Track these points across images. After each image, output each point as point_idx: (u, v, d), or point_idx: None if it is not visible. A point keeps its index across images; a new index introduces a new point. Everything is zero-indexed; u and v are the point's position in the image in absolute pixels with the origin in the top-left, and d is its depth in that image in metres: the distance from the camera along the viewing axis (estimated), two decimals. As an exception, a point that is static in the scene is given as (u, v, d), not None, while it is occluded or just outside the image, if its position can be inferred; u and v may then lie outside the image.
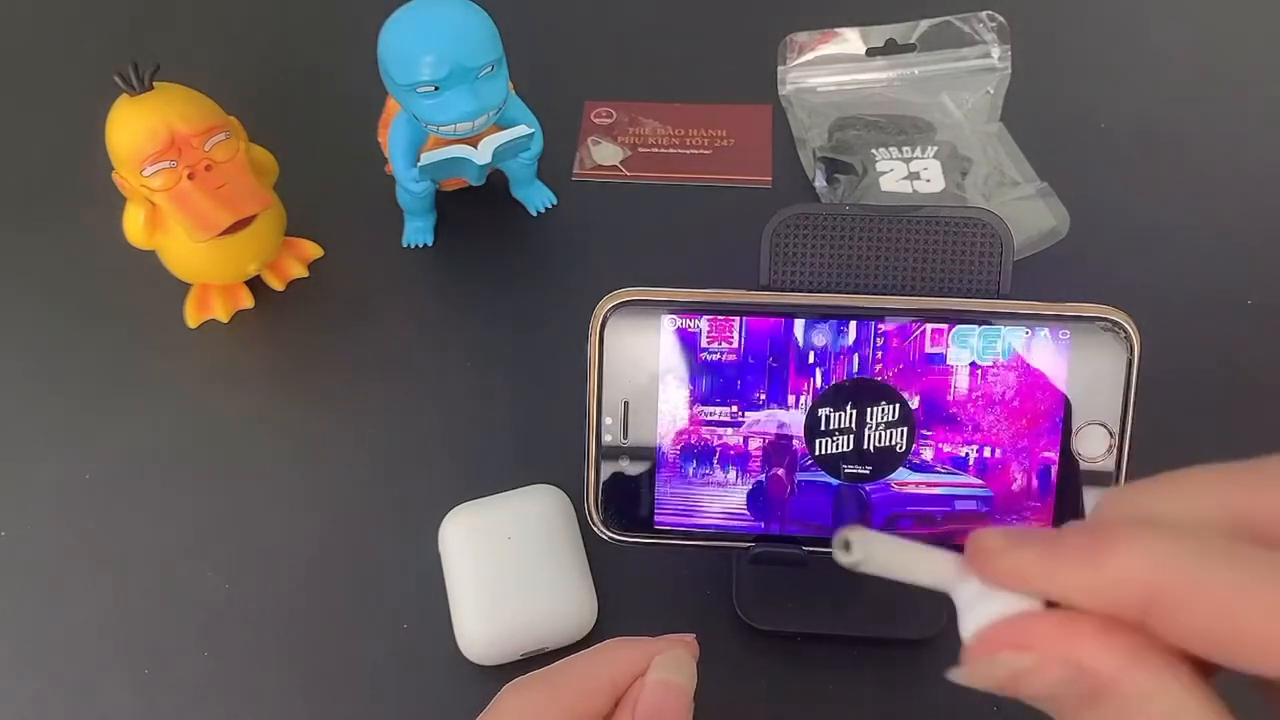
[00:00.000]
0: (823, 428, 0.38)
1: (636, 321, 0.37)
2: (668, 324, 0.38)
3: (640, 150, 0.61)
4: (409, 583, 0.44)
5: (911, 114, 0.60)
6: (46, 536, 0.47)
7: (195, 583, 0.45)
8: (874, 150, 0.57)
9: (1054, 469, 0.37)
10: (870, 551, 0.21)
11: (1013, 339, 0.37)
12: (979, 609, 0.20)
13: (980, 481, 0.38)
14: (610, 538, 0.39)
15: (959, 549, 0.38)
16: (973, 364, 0.37)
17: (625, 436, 0.38)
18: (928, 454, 0.38)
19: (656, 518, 0.39)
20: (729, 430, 0.38)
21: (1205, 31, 0.67)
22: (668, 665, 0.30)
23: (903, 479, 0.38)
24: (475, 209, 0.58)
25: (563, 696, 0.29)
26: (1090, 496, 0.37)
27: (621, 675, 0.30)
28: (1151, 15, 0.69)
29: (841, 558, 0.21)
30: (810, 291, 0.39)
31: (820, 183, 0.58)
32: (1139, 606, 0.17)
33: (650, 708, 0.29)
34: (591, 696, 0.29)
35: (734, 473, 0.38)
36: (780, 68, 0.63)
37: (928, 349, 0.37)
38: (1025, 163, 0.58)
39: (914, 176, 0.56)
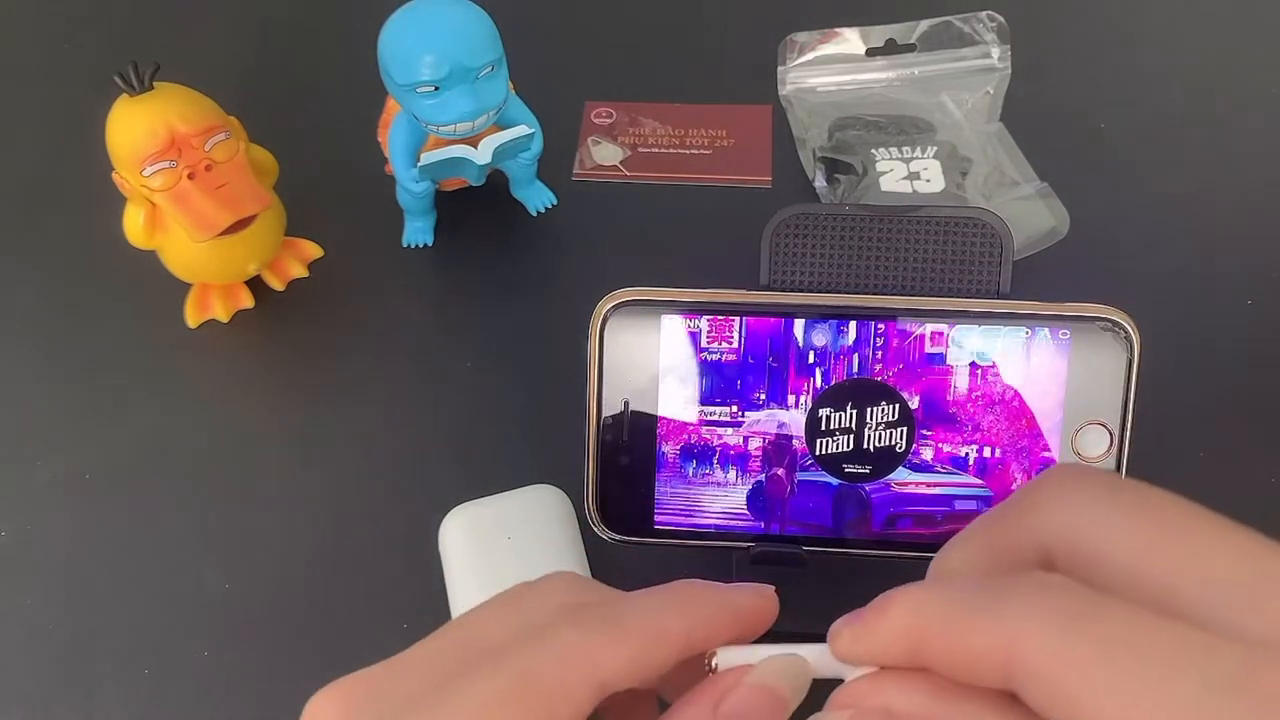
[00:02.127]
0: (823, 428, 0.38)
1: (636, 321, 0.37)
2: (667, 324, 0.38)
3: (640, 150, 0.61)
4: (409, 583, 0.44)
5: (911, 114, 0.60)
6: (46, 536, 0.47)
7: (195, 583, 0.45)
8: (874, 150, 0.57)
9: (1054, 469, 0.37)
10: (743, 661, 0.23)
11: (1013, 339, 0.37)
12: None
13: (980, 481, 0.38)
14: (610, 538, 0.39)
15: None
16: (973, 364, 0.37)
17: (625, 436, 0.38)
18: (928, 454, 0.38)
19: (656, 518, 0.39)
20: (729, 430, 0.38)
21: (1205, 31, 0.67)
22: (777, 672, 0.24)
23: (903, 479, 0.38)
24: (475, 209, 0.58)
25: (631, 641, 0.22)
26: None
27: (697, 631, 0.24)
28: (1151, 15, 0.69)
29: (710, 674, 0.23)
30: (810, 291, 0.39)
31: (820, 183, 0.58)
32: (909, 654, 0.20)
33: (738, 712, 0.23)
34: (661, 648, 0.23)
35: (734, 473, 0.38)
36: (780, 68, 0.63)
37: (928, 349, 0.37)
38: (1025, 163, 0.58)
39: (914, 176, 0.56)
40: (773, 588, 0.25)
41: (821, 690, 0.23)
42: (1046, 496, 0.21)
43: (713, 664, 0.23)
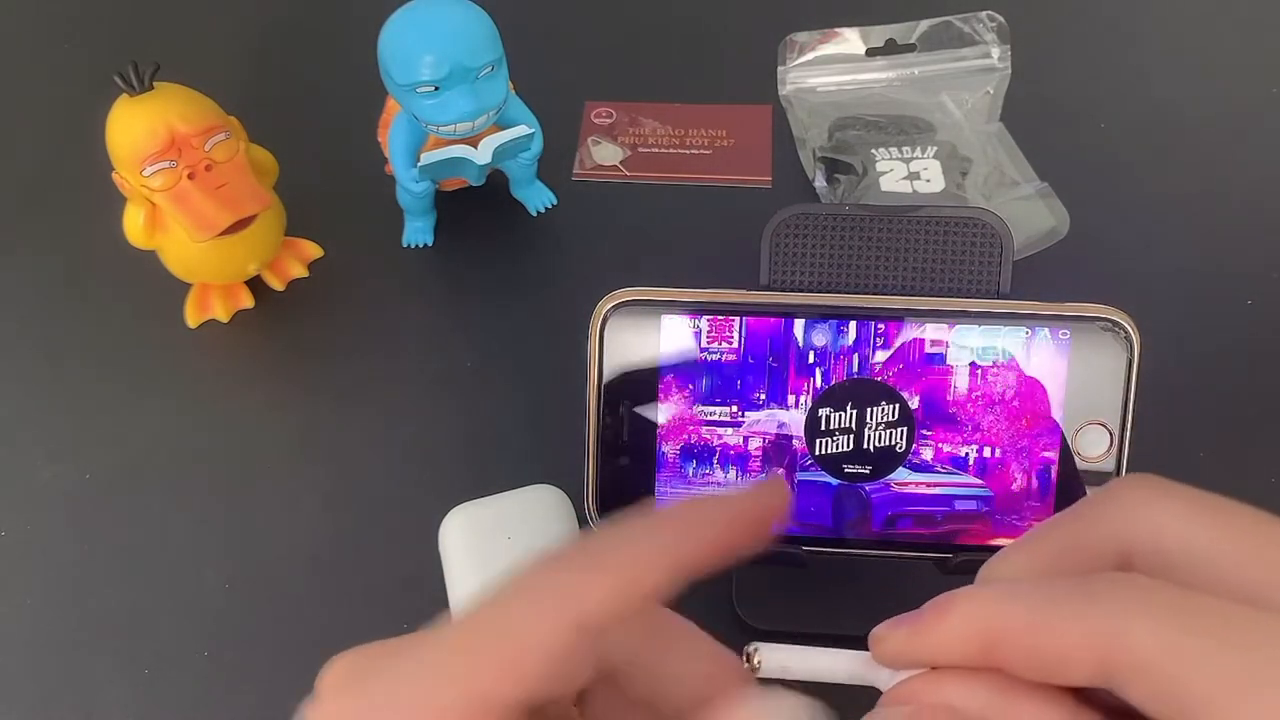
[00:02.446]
0: (823, 428, 0.38)
1: (636, 321, 0.37)
2: (667, 324, 0.38)
3: (640, 150, 0.61)
4: (409, 583, 0.44)
5: (911, 114, 0.60)
6: (46, 536, 0.47)
7: (195, 583, 0.45)
8: (874, 150, 0.57)
9: (1054, 469, 0.37)
10: (782, 661, 0.23)
11: (1013, 339, 0.37)
12: None
13: (980, 481, 0.38)
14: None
15: (959, 549, 0.38)
16: (973, 364, 0.37)
17: (625, 436, 0.38)
18: (928, 454, 0.38)
19: (656, 518, 0.39)
20: (729, 430, 0.38)
21: (1206, 31, 0.67)
22: (788, 711, 0.21)
23: (903, 479, 0.38)
24: (475, 209, 0.58)
25: (609, 570, 0.21)
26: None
27: (686, 546, 0.21)
28: (1151, 15, 0.69)
29: (750, 670, 0.23)
30: (810, 291, 0.39)
31: (820, 183, 0.58)
32: (981, 653, 0.20)
33: None
34: (648, 572, 0.21)
35: (734, 473, 0.38)
36: (780, 68, 0.63)
37: (928, 349, 0.37)
38: (1025, 163, 0.58)
39: (914, 176, 0.56)
40: (781, 479, 0.24)
41: (857, 694, 0.23)
42: (1128, 499, 0.22)
43: (754, 661, 0.23)
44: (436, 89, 0.47)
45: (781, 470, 0.38)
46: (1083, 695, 0.21)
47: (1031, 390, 0.37)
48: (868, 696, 0.23)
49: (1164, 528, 0.21)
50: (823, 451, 0.38)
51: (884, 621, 0.22)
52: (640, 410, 0.38)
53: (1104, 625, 0.19)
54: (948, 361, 0.37)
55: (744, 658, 0.23)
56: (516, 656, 0.19)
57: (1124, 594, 0.19)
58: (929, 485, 0.38)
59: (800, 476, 0.38)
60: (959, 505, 0.38)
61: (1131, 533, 0.21)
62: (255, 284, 0.54)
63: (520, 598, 0.20)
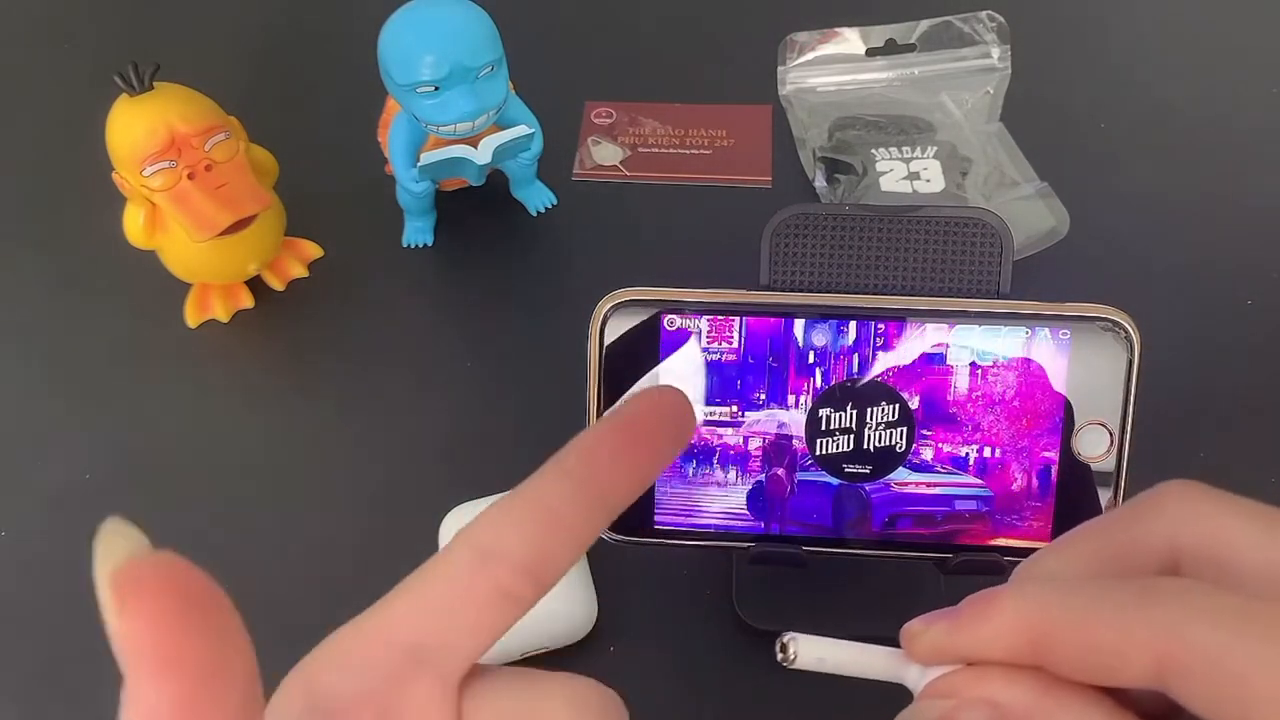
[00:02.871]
0: (823, 427, 0.38)
1: (636, 321, 0.37)
2: (668, 324, 0.38)
3: (640, 150, 0.61)
4: (409, 583, 0.44)
5: (911, 114, 0.60)
6: (46, 536, 0.47)
7: (195, 583, 0.45)
8: (874, 150, 0.57)
9: (1054, 469, 0.37)
10: (817, 654, 0.23)
11: (1013, 339, 0.37)
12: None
13: (980, 481, 0.38)
14: (610, 538, 0.39)
15: (959, 549, 0.38)
16: (973, 364, 0.37)
17: (625, 436, 0.38)
18: (928, 454, 0.38)
19: (656, 518, 0.39)
20: (729, 430, 0.38)
21: (1205, 31, 0.67)
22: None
23: (903, 479, 0.38)
24: (475, 209, 0.58)
25: (519, 516, 0.22)
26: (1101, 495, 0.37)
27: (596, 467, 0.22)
28: (1151, 15, 0.69)
29: (784, 660, 0.23)
30: (810, 291, 0.39)
31: (820, 183, 0.58)
32: (1030, 649, 0.20)
33: None
34: (561, 501, 0.22)
35: (734, 473, 0.38)
36: (780, 68, 0.63)
37: (928, 349, 0.37)
38: (1025, 163, 0.58)
39: (914, 176, 0.56)
40: (672, 388, 0.23)
41: (889, 690, 0.23)
42: (1176, 504, 0.22)
43: (790, 652, 0.23)
44: (436, 89, 0.47)
45: (781, 470, 0.38)
46: (1120, 699, 0.21)
47: (1031, 390, 0.37)
48: (897, 693, 0.23)
49: (1216, 533, 0.21)
50: (823, 451, 0.38)
51: (917, 618, 0.22)
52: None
53: (1166, 625, 0.19)
54: (948, 361, 0.37)
55: (779, 648, 0.23)
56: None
57: (1185, 596, 0.19)
58: (929, 485, 0.38)
59: (800, 476, 0.38)
60: (959, 505, 0.38)
61: (1181, 537, 0.21)
62: (255, 284, 0.54)
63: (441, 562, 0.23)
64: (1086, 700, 0.20)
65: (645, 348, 0.38)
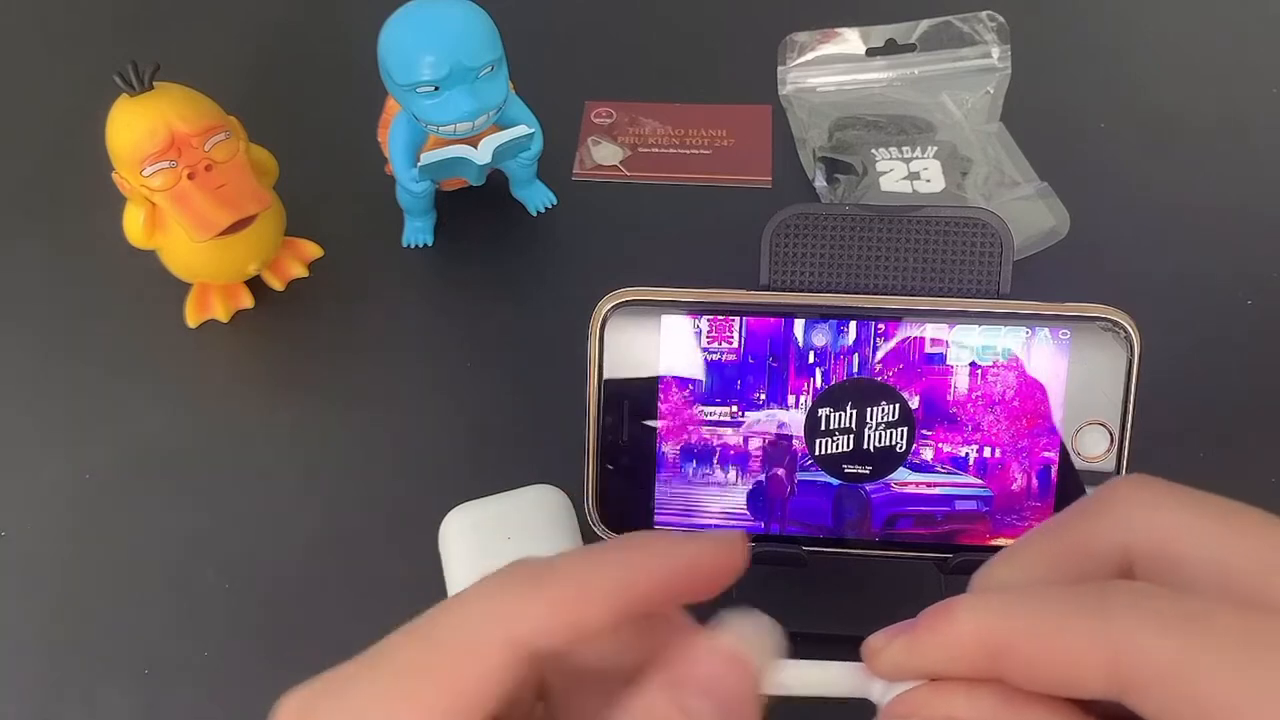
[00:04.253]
0: (823, 428, 0.38)
1: (636, 321, 0.37)
2: (667, 324, 0.38)
3: (640, 150, 0.61)
4: (409, 583, 0.44)
5: (911, 114, 0.60)
6: (46, 536, 0.47)
7: (195, 583, 0.45)
8: (874, 150, 0.57)
9: (1054, 469, 0.37)
10: (780, 679, 0.22)
11: (1013, 339, 0.37)
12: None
13: (980, 481, 0.38)
14: (610, 538, 0.39)
15: (959, 549, 0.38)
16: (973, 364, 0.37)
17: (625, 436, 0.38)
18: (928, 454, 0.38)
19: (656, 518, 0.39)
20: (729, 430, 0.38)
21: (1206, 31, 0.67)
22: (744, 635, 0.21)
23: (903, 479, 0.38)
24: (475, 209, 0.58)
25: (550, 594, 0.20)
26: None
27: (637, 584, 0.21)
28: (1152, 15, 0.69)
29: None
30: (810, 291, 0.39)
31: (820, 183, 0.58)
32: (987, 663, 0.20)
33: (706, 683, 0.20)
34: (591, 602, 0.20)
35: (734, 473, 0.38)
36: (780, 68, 0.63)
37: (928, 349, 0.37)
38: (1025, 163, 0.58)
39: (914, 176, 0.56)
40: (741, 534, 0.22)
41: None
42: (1128, 502, 0.21)
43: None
44: (436, 89, 0.47)
45: (781, 470, 0.38)
46: (1087, 708, 0.21)
47: (1031, 390, 0.37)
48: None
49: (1167, 531, 0.20)
50: (823, 451, 0.38)
51: (877, 632, 0.22)
52: (640, 410, 0.38)
53: (1116, 636, 0.19)
54: (948, 361, 0.37)
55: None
56: (457, 675, 0.19)
57: (1135, 602, 0.19)
58: (929, 485, 0.38)
59: (800, 476, 0.38)
60: (959, 505, 0.38)
61: (1133, 536, 0.21)
62: (255, 284, 0.54)
63: (459, 618, 0.20)
64: (1048, 713, 0.20)
65: (645, 348, 0.38)
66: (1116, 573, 0.21)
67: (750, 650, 0.21)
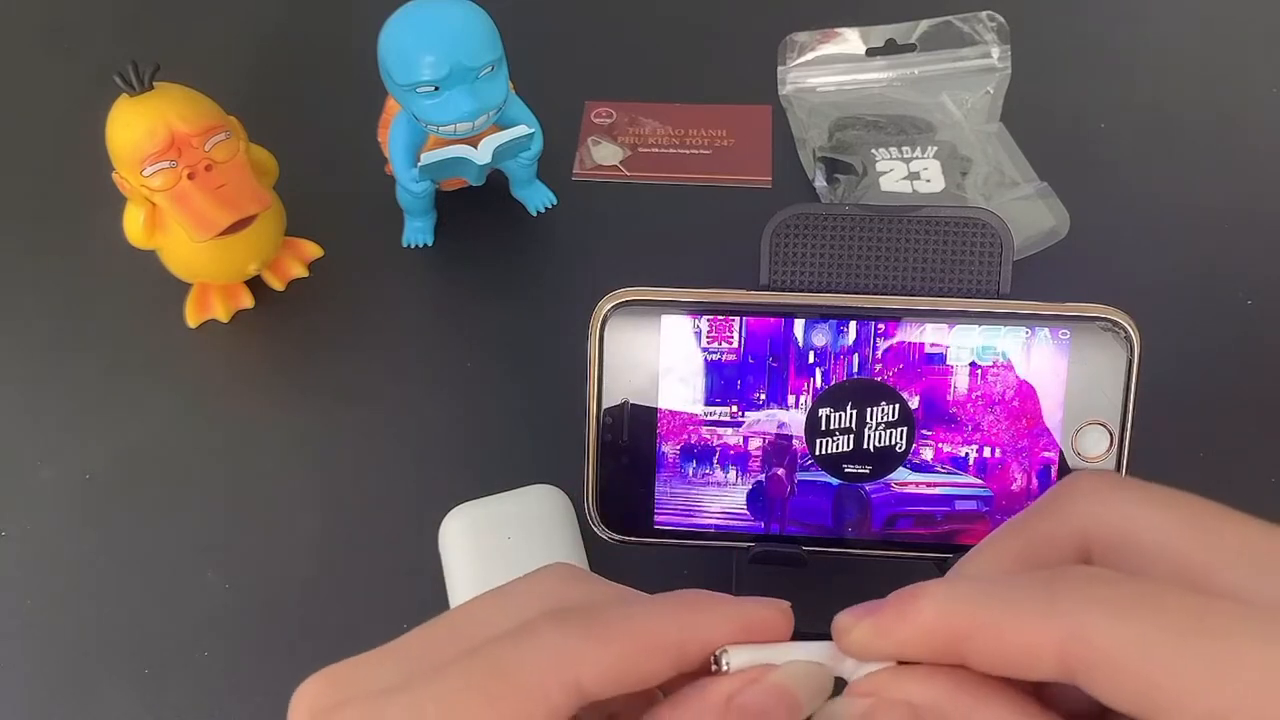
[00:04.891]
0: (823, 428, 0.38)
1: (636, 321, 0.37)
2: (667, 324, 0.38)
3: (640, 150, 0.61)
4: (409, 583, 0.44)
5: (911, 114, 0.60)
6: (46, 536, 0.47)
7: (195, 583, 0.45)
8: (874, 150, 0.57)
9: (1054, 469, 0.37)
10: (749, 659, 0.22)
11: (1012, 339, 0.37)
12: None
13: (980, 481, 0.38)
14: (610, 538, 0.39)
15: (959, 549, 0.38)
16: (973, 364, 0.37)
17: (625, 436, 0.38)
18: (928, 454, 0.38)
19: (656, 518, 0.39)
20: (729, 430, 0.38)
21: (1205, 31, 0.67)
22: (795, 675, 0.22)
23: (903, 479, 0.38)
24: (475, 209, 0.58)
25: (614, 646, 0.21)
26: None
27: (693, 641, 0.22)
28: (1151, 15, 0.69)
29: (718, 673, 0.22)
30: (810, 291, 0.39)
31: (820, 183, 0.58)
32: (948, 648, 0.21)
33: (755, 710, 0.21)
34: (650, 656, 0.21)
35: (734, 473, 0.38)
36: (780, 68, 0.63)
37: (928, 349, 0.37)
38: (1025, 163, 0.58)
39: (914, 176, 0.56)
40: (788, 604, 0.24)
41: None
42: (1083, 493, 0.22)
43: (723, 664, 0.22)
44: (436, 89, 0.47)
45: (781, 470, 0.38)
46: (1049, 694, 0.21)
47: (1031, 390, 0.37)
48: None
49: (1121, 521, 0.21)
50: (823, 451, 0.38)
51: (846, 610, 0.22)
52: (640, 410, 0.38)
53: (1065, 620, 0.19)
54: (948, 361, 0.37)
55: (713, 662, 0.22)
56: (524, 711, 0.20)
57: (1083, 588, 0.19)
58: (929, 485, 0.38)
59: (800, 476, 0.38)
60: (959, 505, 0.38)
61: (1089, 526, 0.22)
62: (255, 284, 0.54)
63: (529, 656, 0.20)
64: (1006, 698, 0.21)
65: (645, 348, 0.38)
66: (1077, 562, 0.22)
67: (800, 691, 0.22)
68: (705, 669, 0.23)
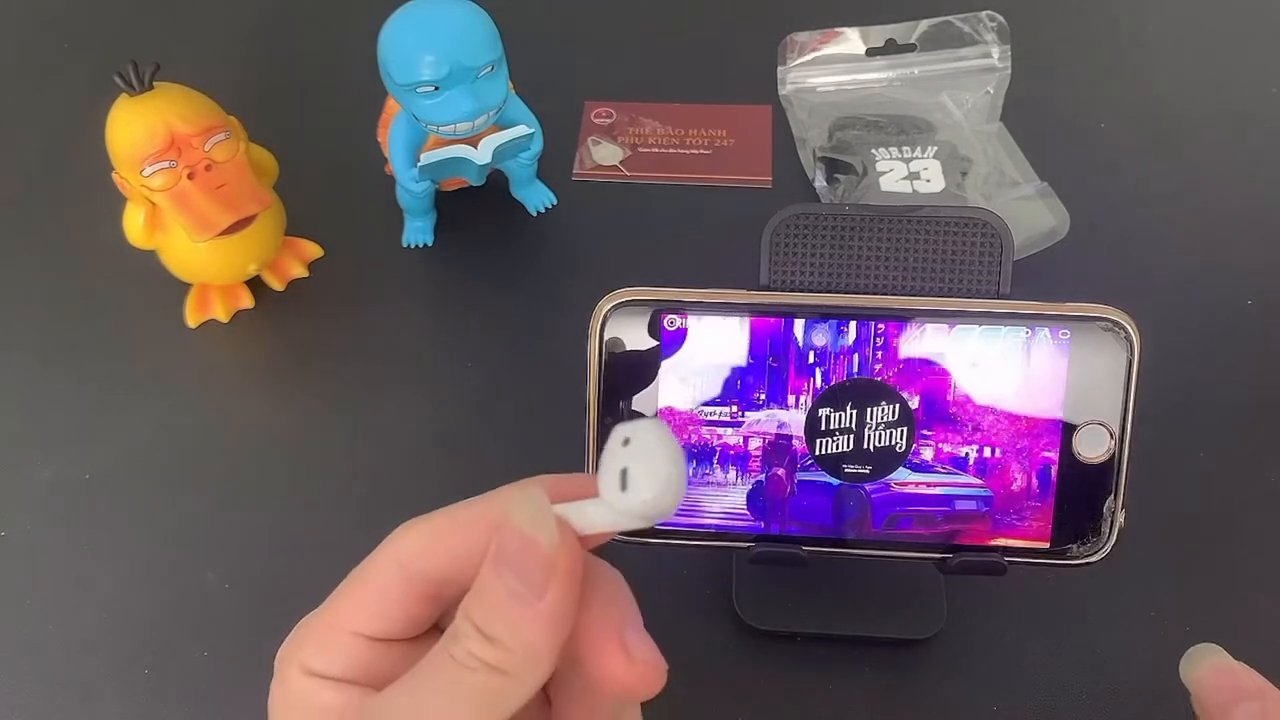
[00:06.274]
0: (823, 428, 0.38)
1: (636, 321, 0.37)
2: (668, 324, 0.38)
3: (640, 150, 0.61)
4: (409, 583, 0.44)
5: (911, 114, 0.60)
6: (46, 536, 0.47)
7: (195, 583, 0.45)
8: (874, 150, 0.57)
9: (1054, 469, 0.37)
10: (579, 523, 0.24)
11: (1013, 339, 0.37)
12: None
13: (980, 481, 0.38)
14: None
15: (959, 549, 0.38)
16: (973, 364, 0.37)
17: (625, 437, 0.38)
18: (928, 454, 0.38)
19: (656, 518, 0.39)
20: (729, 430, 0.38)
21: (1205, 31, 0.67)
22: (522, 510, 0.25)
23: (903, 479, 0.38)
24: (475, 209, 0.58)
25: (431, 521, 0.27)
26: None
27: (492, 514, 0.26)
28: (1151, 15, 0.69)
29: None
30: (810, 291, 0.39)
31: (820, 183, 0.58)
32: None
33: (514, 562, 0.24)
34: (462, 524, 0.26)
35: (734, 473, 0.38)
36: (780, 68, 0.63)
37: (928, 349, 0.37)
38: (1025, 163, 0.58)
39: (914, 176, 0.56)
40: (589, 475, 0.25)
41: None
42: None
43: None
44: (436, 89, 0.47)
45: (781, 470, 0.38)
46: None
47: (1031, 390, 0.37)
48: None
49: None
50: (823, 451, 0.38)
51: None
52: (640, 410, 0.38)
53: None
54: (948, 361, 0.37)
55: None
56: (361, 596, 0.27)
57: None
58: (929, 485, 0.38)
59: (800, 476, 0.38)
60: (959, 505, 0.38)
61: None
62: (255, 284, 0.54)
63: (372, 553, 0.28)
64: None
65: (645, 348, 0.38)
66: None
67: (529, 525, 0.24)
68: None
